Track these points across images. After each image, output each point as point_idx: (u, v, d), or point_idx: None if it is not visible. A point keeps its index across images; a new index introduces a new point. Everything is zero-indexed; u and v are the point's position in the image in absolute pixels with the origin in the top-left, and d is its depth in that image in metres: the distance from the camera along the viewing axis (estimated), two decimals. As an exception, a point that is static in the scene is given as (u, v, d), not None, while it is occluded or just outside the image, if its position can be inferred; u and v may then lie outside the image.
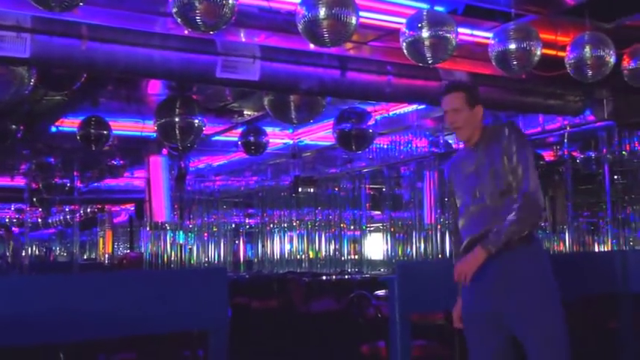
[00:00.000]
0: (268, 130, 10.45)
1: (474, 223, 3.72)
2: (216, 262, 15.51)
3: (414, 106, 9.73)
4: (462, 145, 3.97)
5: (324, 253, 14.62)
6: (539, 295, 3.60)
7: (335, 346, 7.88)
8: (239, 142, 10.11)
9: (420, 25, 5.04)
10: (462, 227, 3.80)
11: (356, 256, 14.47)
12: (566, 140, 9.03)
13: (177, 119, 7.78)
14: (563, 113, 8.06)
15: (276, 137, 11.82)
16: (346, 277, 11.49)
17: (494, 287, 3.62)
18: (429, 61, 5.05)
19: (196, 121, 7.91)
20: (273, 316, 10.10)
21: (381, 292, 7.27)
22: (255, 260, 16.42)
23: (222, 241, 17.13)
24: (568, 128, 8.61)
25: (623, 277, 5.44)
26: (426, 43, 4.98)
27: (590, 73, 5.89)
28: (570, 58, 5.98)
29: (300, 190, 13.00)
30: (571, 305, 5.49)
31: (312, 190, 13.36)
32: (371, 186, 13.94)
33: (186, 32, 5.50)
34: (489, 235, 3.57)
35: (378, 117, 9.91)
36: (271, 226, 15.76)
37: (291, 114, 7.04)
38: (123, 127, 10.33)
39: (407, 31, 5.12)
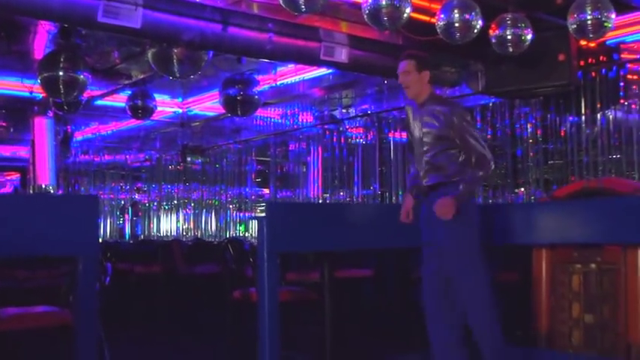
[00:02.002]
0: (158, 97, 10.48)
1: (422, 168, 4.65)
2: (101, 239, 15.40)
3: (301, 76, 9.97)
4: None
5: (210, 232, 14.73)
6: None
7: (210, 298, 8.05)
8: (126, 106, 10.08)
9: (294, -25, 5.28)
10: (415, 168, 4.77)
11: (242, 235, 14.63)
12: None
13: (61, 73, 7.75)
14: (439, 83, 8.45)
15: (166, 105, 11.87)
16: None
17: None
18: (302, 9, 5.29)
19: (81, 76, 7.88)
20: (155, 279, 10.19)
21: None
22: (142, 237, 16.36)
23: (109, 217, 16.99)
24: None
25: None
26: (300, -8, 5.24)
27: (457, 35, 6.29)
28: (440, 20, 6.37)
29: (188, 159, 13.06)
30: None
31: (200, 159, 13.44)
32: (258, 158, 14.08)
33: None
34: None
35: (265, 87, 10.12)
36: (159, 203, 15.74)
37: (173, 67, 7.15)
38: (6, 85, 10.18)
39: (282, -19, 5.35)
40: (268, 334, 4.64)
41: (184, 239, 13.75)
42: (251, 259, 5.88)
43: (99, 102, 11.13)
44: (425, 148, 4.58)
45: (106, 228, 16.92)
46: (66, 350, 4.63)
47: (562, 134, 8.96)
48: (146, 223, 16.42)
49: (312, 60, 7.35)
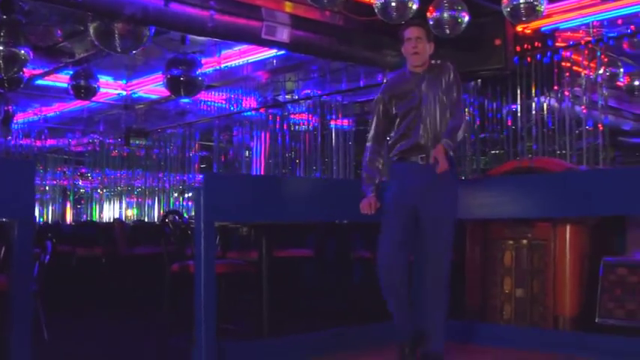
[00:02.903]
0: (102, 79, 10.44)
1: (417, 133, 4.57)
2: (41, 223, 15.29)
3: (245, 59, 10.04)
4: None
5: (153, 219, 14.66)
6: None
7: (151, 277, 8.08)
8: (69, 86, 10.00)
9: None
10: (404, 134, 4.60)
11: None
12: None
13: (0, 47, 7.70)
14: (379, 65, 8.58)
15: (110, 87, 11.82)
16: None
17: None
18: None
19: (22, 51, 7.84)
20: (97, 261, 10.19)
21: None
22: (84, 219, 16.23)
23: (50, 204, 16.81)
24: (385, 80, 9.13)
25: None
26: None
27: (394, 14, 6.44)
28: (377, 0, 6.51)
29: (131, 142, 13.00)
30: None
31: (144, 142, 13.38)
32: (202, 143, 14.03)
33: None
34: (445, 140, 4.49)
35: (209, 69, 10.17)
36: (101, 190, 15.60)
37: (115, 42, 7.15)
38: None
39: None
40: (204, 304, 4.61)
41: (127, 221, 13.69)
42: (189, 232, 5.92)
43: (40, 81, 11.04)
44: (434, 115, 4.60)
45: (48, 215, 16.78)
46: (1, 315, 4.63)
47: (500, 123, 9.11)
48: (88, 211, 16.26)
49: (254, 39, 7.43)
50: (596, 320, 5.37)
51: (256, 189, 5.24)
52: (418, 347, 4.68)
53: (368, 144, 4.77)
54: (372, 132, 4.77)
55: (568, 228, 5.51)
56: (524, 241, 5.75)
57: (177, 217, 6.19)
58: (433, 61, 4.70)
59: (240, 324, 6.49)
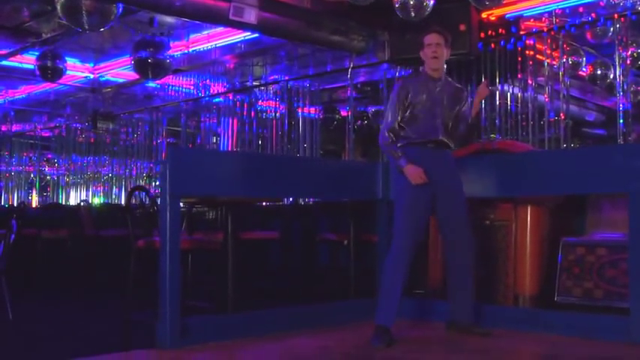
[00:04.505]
0: (69, 61, 10.37)
1: (434, 129, 5.02)
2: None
3: (213, 43, 10.04)
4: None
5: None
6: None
7: (116, 255, 8.08)
8: (35, 67, 9.93)
9: None
10: (415, 125, 5.02)
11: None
12: (349, 76, 9.63)
13: (-35, 27, 7.66)
14: (346, 49, 8.63)
15: (77, 70, 11.75)
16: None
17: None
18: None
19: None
20: (63, 243, 10.15)
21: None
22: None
23: (16, 191, 16.65)
24: (351, 65, 9.25)
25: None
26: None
27: (361, -4, 6.53)
28: (345, -18, 6.60)
29: (98, 126, 12.92)
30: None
31: (111, 126, 13.29)
32: (170, 128, 13.94)
33: None
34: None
35: (177, 53, 10.16)
36: (67, 177, 15.48)
37: (82, 19, 7.13)
38: None
39: None
40: (169, 277, 4.61)
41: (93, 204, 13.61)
42: (155, 208, 5.91)
43: (6, 62, 10.92)
44: (447, 114, 5.07)
45: (14, 202, 16.62)
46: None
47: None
48: (54, 198, 16.10)
49: (222, 20, 7.43)
50: (555, 299, 5.48)
51: (223, 164, 5.26)
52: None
53: (388, 127, 5.04)
54: (390, 118, 5.06)
55: (529, 209, 5.62)
56: (487, 222, 5.83)
57: (143, 194, 6.19)
58: (450, 79, 5.24)
59: (206, 302, 6.50)
